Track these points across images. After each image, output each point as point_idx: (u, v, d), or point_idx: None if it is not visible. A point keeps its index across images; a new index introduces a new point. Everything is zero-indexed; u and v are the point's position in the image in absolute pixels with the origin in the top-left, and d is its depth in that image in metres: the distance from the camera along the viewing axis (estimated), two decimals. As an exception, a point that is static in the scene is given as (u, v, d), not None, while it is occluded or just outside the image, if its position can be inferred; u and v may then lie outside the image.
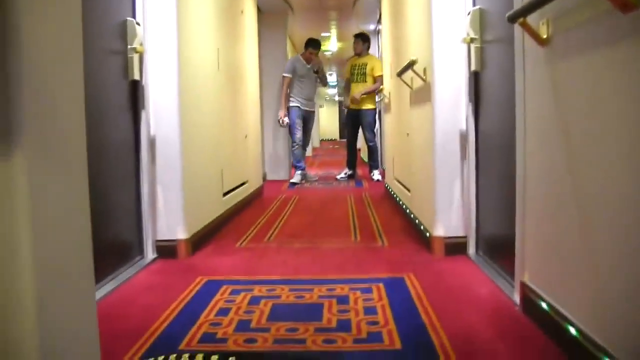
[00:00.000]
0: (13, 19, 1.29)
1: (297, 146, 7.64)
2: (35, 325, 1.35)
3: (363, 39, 7.91)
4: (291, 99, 7.67)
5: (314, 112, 7.99)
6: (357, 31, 8.91)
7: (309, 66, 7.68)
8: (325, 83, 8.22)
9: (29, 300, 1.34)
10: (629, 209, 1.49)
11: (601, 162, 1.65)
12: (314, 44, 7.68)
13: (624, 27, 1.49)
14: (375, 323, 2.26)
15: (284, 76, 7.66)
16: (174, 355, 1.10)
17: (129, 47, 3.20)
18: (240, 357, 1.10)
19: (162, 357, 1.10)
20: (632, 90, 1.47)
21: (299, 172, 7.75)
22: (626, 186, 1.50)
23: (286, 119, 7.62)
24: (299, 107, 7.64)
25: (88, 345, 1.65)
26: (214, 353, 1.09)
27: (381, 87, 7.38)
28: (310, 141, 8.21)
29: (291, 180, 7.74)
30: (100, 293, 2.63)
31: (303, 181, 7.76)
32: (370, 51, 8.28)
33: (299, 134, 7.61)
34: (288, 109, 7.63)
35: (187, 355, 1.10)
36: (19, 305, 1.33)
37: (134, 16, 3.28)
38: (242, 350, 1.95)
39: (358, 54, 7.87)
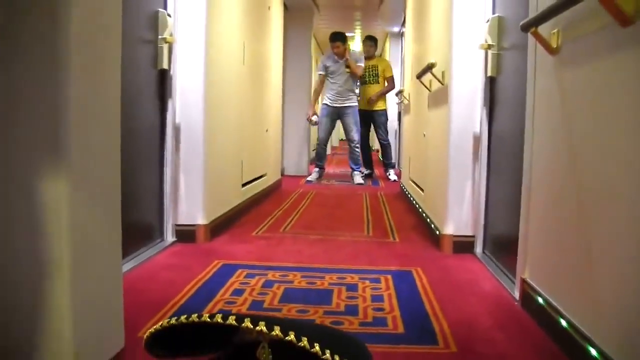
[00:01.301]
0: (62, 26, 1.44)
1: (319, 145, 7.77)
2: (69, 291, 1.49)
3: (374, 42, 8.13)
4: (324, 97, 7.71)
5: (350, 106, 7.61)
6: (381, 33, 9.06)
7: (340, 61, 7.49)
8: (355, 75, 7.57)
9: (65, 268, 1.48)
10: (624, 209, 1.60)
11: (601, 164, 1.76)
12: (333, 37, 7.51)
13: (623, 38, 1.61)
14: (381, 309, 2.38)
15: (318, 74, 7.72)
16: (195, 315, 1.23)
17: (159, 37, 3.35)
18: (255, 319, 1.22)
19: (185, 316, 1.24)
20: (631, 97, 1.58)
21: (316, 169, 7.86)
22: (623, 187, 1.61)
23: (314, 117, 7.68)
24: (327, 104, 7.63)
25: (114, 312, 1.80)
26: (232, 315, 1.22)
27: (401, 88, 7.53)
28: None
29: (307, 178, 7.86)
30: (123, 269, 2.77)
31: (319, 179, 7.85)
32: (394, 53, 8.45)
33: (321, 134, 7.68)
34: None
35: (207, 315, 1.23)
36: (56, 269, 1.47)
37: (165, 7, 3.43)
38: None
39: (369, 57, 8.04)
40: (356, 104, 7.70)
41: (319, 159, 7.86)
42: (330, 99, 7.60)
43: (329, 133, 7.80)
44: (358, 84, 7.93)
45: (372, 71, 7.92)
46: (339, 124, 7.92)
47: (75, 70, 1.48)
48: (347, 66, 7.47)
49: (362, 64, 7.53)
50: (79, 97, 1.51)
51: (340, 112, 7.61)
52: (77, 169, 1.51)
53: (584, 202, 1.88)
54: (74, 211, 1.50)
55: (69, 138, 1.46)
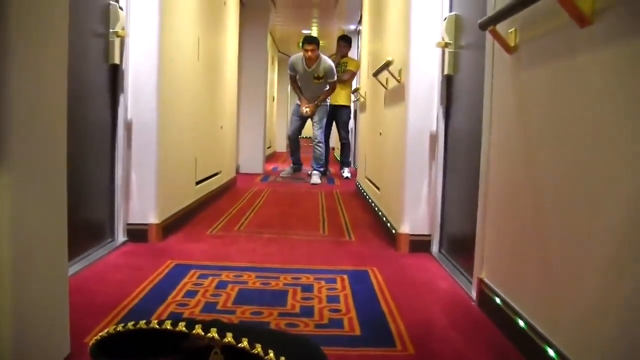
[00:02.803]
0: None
1: (288, 142, 7.94)
2: (9, 293, 1.41)
3: (347, 41, 8.20)
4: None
5: (321, 106, 7.56)
6: (338, 31, 9.07)
7: (309, 70, 7.27)
8: (331, 87, 7.49)
9: (5, 269, 1.40)
10: (580, 209, 1.60)
11: (557, 163, 1.76)
12: (305, 40, 7.32)
13: (580, 39, 1.60)
14: (337, 311, 2.34)
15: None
16: (143, 321, 1.17)
17: (110, 31, 3.24)
18: (207, 325, 1.17)
19: (132, 322, 1.17)
20: (586, 97, 1.58)
21: (291, 166, 7.97)
22: (579, 187, 1.61)
23: (304, 109, 7.51)
24: (298, 104, 7.63)
25: (58, 316, 1.72)
26: (182, 320, 1.16)
27: (357, 86, 7.55)
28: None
29: (281, 174, 8.08)
30: (70, 271, 2.67)
31: (292, 174, 7.91)
32: (350, 51, 8.51)
33: (289, 132, 7.85)
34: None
35: (155, 321, 1.16)
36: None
37: (117, 0, 3.32)
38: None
39: (343, 55, 8.16)
40: (325, 103, 7.65)
41: (291, 154, 7.93)
42: (302, 100, 7.55)
43: (297, 131, 7.78)
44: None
45: (342, 68, 8.00)
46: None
47: (17, 63, 1.40)
48: (318, 78, 7.32)
49: (335, 78, 7.39)
50: (21, 90, 1.43)
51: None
52: (19, 165, 1.43)
53: (540, 202, 1.87)
54: (15, 209, 1.42)
55: (9, 132, 1.38)
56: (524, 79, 2.07)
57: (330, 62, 7.37)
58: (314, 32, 12.63)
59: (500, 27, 2.17)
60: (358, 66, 8.24)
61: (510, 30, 2.14)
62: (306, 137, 9.59)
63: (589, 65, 1.57)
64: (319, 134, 7.59)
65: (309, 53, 7.17)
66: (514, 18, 2.04)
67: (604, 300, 1.45)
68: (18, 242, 1.43)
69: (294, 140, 7.82)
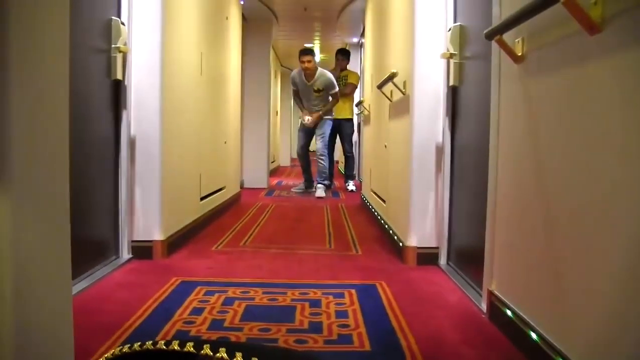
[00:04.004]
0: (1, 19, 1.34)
1: (298, 159, 7.89)
2: (11, 316, 1.38)
3: (346, 55, 8.19)
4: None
5: (325, 120, 7.56)
6: (340, 44, 9.06)
7: (308, 84, 7.31)
8: (335, 98, 7.47)
9: (6, 291, 1.37)
10: (592, 220, 1.57)
11: (567, 175, 1.72)
12: (300, 53, 7.34)
13: (590, 47, 1.57)
14: (346, 326, 2.31)
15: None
16: (150, 342, 1.13)
17: (112, 46, 3.23)
18: (215, 345, 1.13)
19: (138, 343, 1.14)
20: (596, 105, 1.55)
21: (303, 182, 7.96)
22: (590, 198, 1.58)
23: (307, 118, 7.50)
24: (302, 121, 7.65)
25: (62, 337, 1.68)
26: (189, 340, 1.12)
27: (361, 99, 7.53)
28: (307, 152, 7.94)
29: (292, 189, 8.07)
30: (74, 290, 2.64)
31: (303, 191, 7.89)
32: (354, 64, 8.53)
33: (297, 148, 7.80)
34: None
35: (162, 342, 1.13)
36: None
37: (119, 16, 3.32)
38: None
39: (342, 69, 8.14)
40: (328, 116, 7.60)
41: (303, 171, 7.89)
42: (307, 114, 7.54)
43: (305, 147, 7.77)
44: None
45: (343, 82, 7.98)
46: None
47: (16, 80, 1.37)
48: (318, 90, 7.34)
49: (336, 89, 7.37)
50: (21, 107, 1.40)
51: (313, 127, 7.60)
52: (20, 183, 1.40)
53: (550, 211, 1.84)
54: (16, 228, 1.39)
55: (10, 150, 1.35)
56: (532, 89, 2.04)
57: (329, 75, 7.36)
58: (317, 46, 12.65)
59: (507, 37, 2.15)
60: (358, 79, 8.25)
61: (517, 40, 2.11)
62: (313, 151, 9.54)
63: (599, 73, 1.54)
64: (322, 147, 7.57)
65: (306, 64, 7.22)
66: (520, 27, 2.02)
67: (620, 310, 1.41)
68: (20, 262, 1.40)
69: (303, 156, 7.78)
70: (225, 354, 1.10)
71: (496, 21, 2.29)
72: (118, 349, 1.22)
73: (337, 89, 7.37)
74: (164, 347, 1.16)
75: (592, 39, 1.54)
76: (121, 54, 3.27)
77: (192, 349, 1.12)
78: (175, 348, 1.14)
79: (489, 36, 2.22)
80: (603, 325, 1.49)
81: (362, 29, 9.06)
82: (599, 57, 1.54)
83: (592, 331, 1.55)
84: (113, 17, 3.24)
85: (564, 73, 1.77)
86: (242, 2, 6.99)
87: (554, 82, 1.85)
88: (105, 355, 1.24)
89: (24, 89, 1.42)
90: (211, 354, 1.11)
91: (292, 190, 7.95)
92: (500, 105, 2.37)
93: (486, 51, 2.59)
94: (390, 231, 4.14)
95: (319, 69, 7.39)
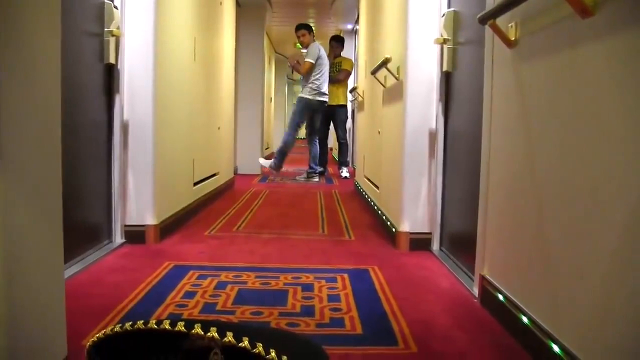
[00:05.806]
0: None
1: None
2: (3, 299, 1.38)
3: (340, 41, 8.19)
4: None
5: (319, 102, 7.47)
6: (334, 30, 9.04)
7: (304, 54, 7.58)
8: (302, 65, 7.44)
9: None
10: (582, 205, 1.57)
11: (559, 160, 1.73)
12: (296, 27, 7.67)
13: (582, 31, 1.57)
14: (338, 310, 2.32)
15: None
16: (141, 321, 1.14)
17: (105, 30, 3.21)
18: (206, 324, 1.13)
19: (129, 323, 1.14)
20: (588, 89, 1.55)
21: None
22: (578, 180, 1.58)
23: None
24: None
25: (55, 320, 1.69)
26: (180, 320, 1.13)
27: (355, 85, 7.53)
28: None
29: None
30: (67, 274, 2.64)
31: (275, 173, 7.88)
32: (348, 51, 8.54)
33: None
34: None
35: (154, 321, 1.13)
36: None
37: (112, -1, 3.30)
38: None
39: (337, 56, 8.16)
40: (302, 95, 7.51)
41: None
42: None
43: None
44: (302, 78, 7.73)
45: (337, 68, 7.98)
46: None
47: (6, 63, 1.37)
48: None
49: (306, 59, 7.34)
50: (12, 91, 1.39)
51: (315, 109, 7.58)
52: (12, 167, 1.40)
53: (542, 197, 1.84)
54: (8, 211, 1.39)
55: (0, 134, 1.35)
56: (525, 73, 2.04)
57: (315, 48, 7.36)
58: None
59: (500, 21, 2.14)
60: (352, 65, 8.24)
61: (510, 24, 2.11)
62: (300, 139, 9.52)
63: (591, 57, 1.54)
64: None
65: (301, 39, 7.56)
66: (514, 11, 2.01)
67: (608, 294, 1.43)
68: (11, 246, 1.40)
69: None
70: (216, 334, 1.11)
71: (490, 5, 2.29)
72: (110, 328, 1.22)
73: (308, 58, 7.31)
74: (155, 326, 1.16)
75: (584, 22, 1.54)
76: (114, 37, 3.25)
77: (183, 328, 1.13)
78: (167, 327, 1.14)
79: (483, 20, 2.21)
80: (592, 308, 1.50)
81: (356, 16, 9.03)
82: (590, 41, 1.55)
83: (582, 314, 1.56)
84: (106, 1, 3.21)
85: (555, 57, 1.77)
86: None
87: (546, 66, 1.85)
88: (97, 335, 1.24)
89: (14, 72, 1.41)
90: (202, 333, 1.12)
91: (296, 178, 7.92)
92: (493, 90, 2.37)
93: (480, 37, 2.59)
94: (384, 217, 4.15)
95: (313, 43, 7.45)
